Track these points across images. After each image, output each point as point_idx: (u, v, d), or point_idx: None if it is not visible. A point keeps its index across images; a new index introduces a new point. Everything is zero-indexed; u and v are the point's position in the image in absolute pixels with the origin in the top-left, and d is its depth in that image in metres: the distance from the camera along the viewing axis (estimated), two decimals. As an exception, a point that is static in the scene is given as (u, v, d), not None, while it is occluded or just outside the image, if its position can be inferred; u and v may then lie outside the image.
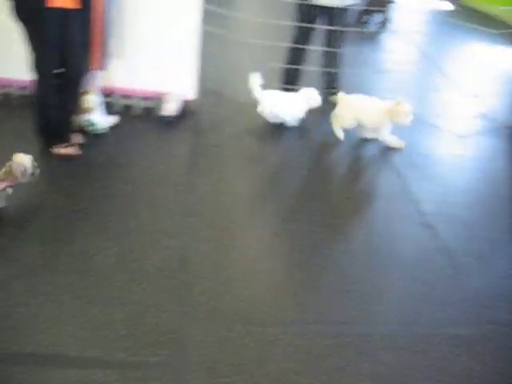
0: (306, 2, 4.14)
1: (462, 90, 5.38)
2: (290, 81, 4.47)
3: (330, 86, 4.54)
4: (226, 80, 4.75)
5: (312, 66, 4.51)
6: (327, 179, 3.52)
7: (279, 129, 4.04)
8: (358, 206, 3.24)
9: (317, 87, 4.43)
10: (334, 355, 2.17)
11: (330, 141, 3.94)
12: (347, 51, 4.48)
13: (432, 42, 7.35)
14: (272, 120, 4.07)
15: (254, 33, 4.59)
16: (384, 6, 7.28)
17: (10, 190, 2.79)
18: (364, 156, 3.88)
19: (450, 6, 9.21)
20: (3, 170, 2.77)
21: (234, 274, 2.55)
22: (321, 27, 4.29)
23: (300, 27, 4.27)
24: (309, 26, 4.24)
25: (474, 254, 2.93)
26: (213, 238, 2.77)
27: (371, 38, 7.05)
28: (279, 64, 4.46)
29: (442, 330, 2.39)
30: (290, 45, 4.39)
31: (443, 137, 4.32)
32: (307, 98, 4.07)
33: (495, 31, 4.06)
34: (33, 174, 2.84)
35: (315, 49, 4.41)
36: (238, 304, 2.36)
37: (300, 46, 4.33)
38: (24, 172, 2.78)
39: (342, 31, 4.32)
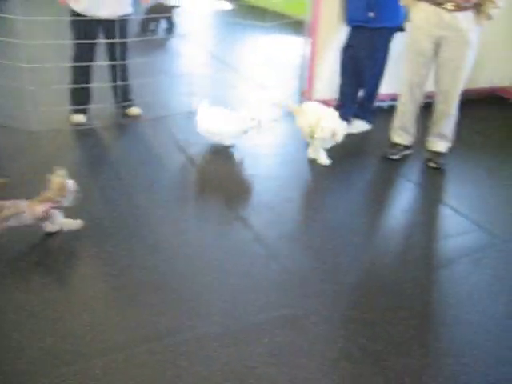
0: (81, 18, 4.01)
1: (253, 82, 5.65)
2: (80, 101, 4.31)
3: (123, 100, 4.47)
4: (10, 110, 4.43)
5: (101, 83, 4.40)
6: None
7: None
8: (170, 211, 3.23)
9: (110, 103, 4.37)
10: (169, 368, 2.14)
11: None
12: (140, 61, 4.46)
13: (218, 41, 7.61)
14: (209, 139, 4.00)
15: (37, 56, 4.34)
16: (168, 11, 7.37)
17: (54, 213, 2.79)
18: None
19: (229, 6, 9.64)
20: (47, 192, 2.77)
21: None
22: (102, 41, 4.21)
23: (80, 44, 4.12)
24: (89, 41, 4.12)
25: (286, 237, 3.08)
26: None
27: (161, 44, 7.09)
28: (66, 85, 4.28)
29: (268, 313, 2.48)
30: (73, 64, 4.23)
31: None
32: (248, 119, 3.93)
33: (269, 23, 4.33)
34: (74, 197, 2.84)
35: (101, 64, 4.32)
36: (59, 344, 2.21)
37: (84, 64, 4.19)
38: (69, 194, 2.80)
39: (124, 42, 4.27)
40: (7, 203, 2.70)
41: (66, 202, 2.82)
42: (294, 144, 4.34)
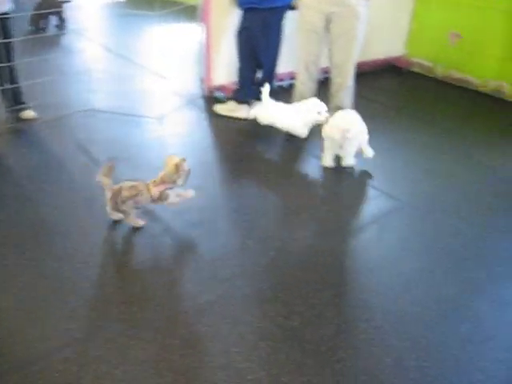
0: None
1: (152, 73, 5.54)
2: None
3: (14, 104, 4.24)
4: None
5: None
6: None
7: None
8: (80, 212, 3.13)
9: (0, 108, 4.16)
10: (87, 372, 2.07)
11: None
12: (32, 61, 4.23)
13: (113, 35, 7.39)
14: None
15: None
16: (59, 6, 7.05)
17: (169, 193, 2.87)
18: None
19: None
20: (161, 174, 2.86)
21: None
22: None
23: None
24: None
25: (195, 225, 3.07)
26: None
27: (53, 42, 6.79)
28: None
29: (183, 304, 2.46)
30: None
31: (144, 123, 4.40)
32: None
33: (162, 12, 4.26)
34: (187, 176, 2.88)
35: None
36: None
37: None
38: (181, 175, 2.83)
39: (9, 42, 4.04)
40: (126, 185, 2.84)
41: (180, 182, 2.88)
42: (199, 132, 4.32)
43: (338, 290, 2.61)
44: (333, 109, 4.17)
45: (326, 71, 4.40)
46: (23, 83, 4.27)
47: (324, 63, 4.18)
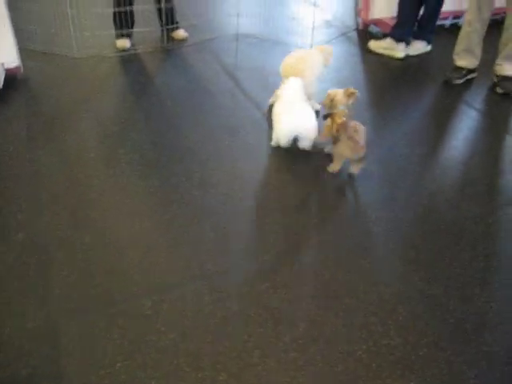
0: None
1: (305, 0, 5.30)
2: (124, 25, 4.12)
3: (168, 23, 4.26)
4: (52, 35, 4.28)
5: (145, 5, 4.19)
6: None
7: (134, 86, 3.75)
8: (220, 142, 3.10)
9: (154, 26, 4.19)
10: (220, 309, 2.08)
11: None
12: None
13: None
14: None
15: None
16: None
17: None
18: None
19: None
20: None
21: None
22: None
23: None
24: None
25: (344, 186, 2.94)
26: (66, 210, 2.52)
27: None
28: (109, 9, 4.09)
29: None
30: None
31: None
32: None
33: None
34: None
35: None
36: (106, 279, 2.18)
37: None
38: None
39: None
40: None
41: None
42: (348, 69, 4.07)
43: (487, 263, 2.38)
44: (502, 58, 3.73)
45: (497, 13, 3.91)
46: (178, 3, 4.25)
47: (498, 3, 3.70)
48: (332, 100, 2.84)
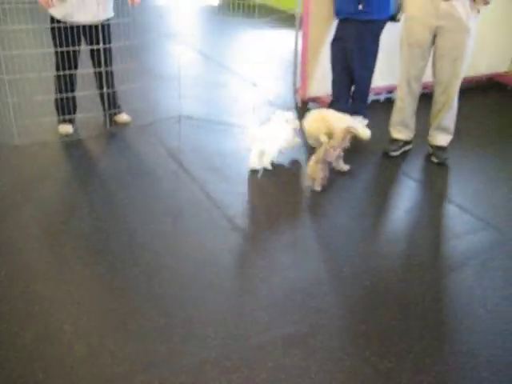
0: (60, 25, 3.83)
1: (245, 81, 5.48)
2: (66, 111, 4.14)
3: (111, 107, 4.30)
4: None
5: (87, 90, 4.24)
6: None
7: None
8: (164, 225, 3.07)
9: (97, 111, 4.22)
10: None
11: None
12: (126, 66, 4.27)
13: (207, 39, 7.43)
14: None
15: (19, 67, 4.15)
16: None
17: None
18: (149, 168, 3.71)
19: (216, 1, 9.41)
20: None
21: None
22: (85, 47, 4.04)
23: (63, 52, 3.94)
24: (71, 49, 3.94)
25: (285, 246, 2.94)
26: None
27: (149, 46, 6.90)
28: (50, 95, 4.11)
29: (271, 333, 2.33)
30: (57, 73, 4.04)
31: (234, 133, 4.32)
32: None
33: (258, 19, 4.16)
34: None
35: (87, 72, 4.16)
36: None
37: (67, 72, 4.01)
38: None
39: (109, 47, 4.11)
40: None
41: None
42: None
43: (438, 332, 2.39)
44: (434, 129, 3.93)
45: (426, 86, 4.16)
46: (119, 88, 4.32)
47: (425, 78, 3.93)
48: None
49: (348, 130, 3.62)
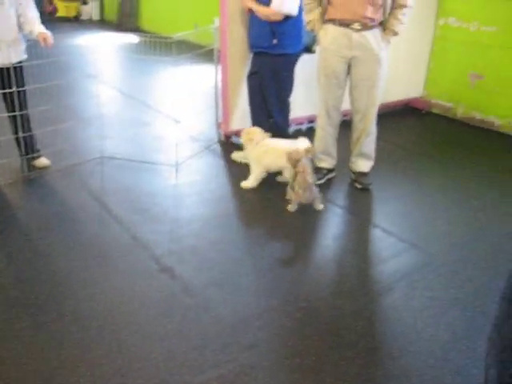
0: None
1: (167, 118, 5.45)
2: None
3: (29, 152, 4.15)
4: None
5: (2, 136, 4.07)
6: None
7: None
8: (89, 271, 2.96)
9: (14, 156, 4.06)
10: None
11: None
12: (44, 108, 4.14)
13: (127, 78, 7.37)
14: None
15: None
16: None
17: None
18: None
19: (136, 39, 9.35)
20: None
21: None
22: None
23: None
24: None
25: (215, 284, 2.89)
26: None
27: (68, 86, 6.75)
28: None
29: (206, 374, 2.27)
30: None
31: (158, 171, 4.27)
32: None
33: (178, 55, 4.15)
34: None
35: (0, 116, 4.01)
36: None
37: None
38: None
39: (24, 90, 3.99)
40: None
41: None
42: (216, 181, 4.17)
43: (370, 356, 2.41)
44: (355, 156, 4.03)
45: (345, 114, 4.28)
46: (37, 130, 4.19)
47: (343, 106, 4.04)
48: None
49: (290, 156, 3.62)
